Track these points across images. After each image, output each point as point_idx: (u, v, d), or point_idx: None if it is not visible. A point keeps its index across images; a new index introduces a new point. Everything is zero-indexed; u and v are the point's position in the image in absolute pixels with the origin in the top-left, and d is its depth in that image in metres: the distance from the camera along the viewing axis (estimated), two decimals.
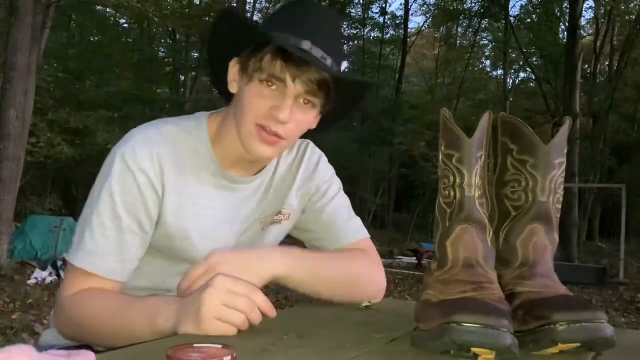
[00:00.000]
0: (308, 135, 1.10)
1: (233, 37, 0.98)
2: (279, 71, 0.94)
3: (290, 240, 1.20)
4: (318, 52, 0.95)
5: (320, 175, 1.19)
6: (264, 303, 0.83)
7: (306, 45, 0.94)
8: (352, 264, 1.10)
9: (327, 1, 21.81)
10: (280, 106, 0.94)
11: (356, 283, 1.08)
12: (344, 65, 1.04)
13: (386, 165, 21.58)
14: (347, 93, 1.02)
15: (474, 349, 0.69)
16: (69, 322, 0.98)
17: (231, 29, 0.98)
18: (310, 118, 1.01)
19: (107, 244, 0.96)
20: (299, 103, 0.97)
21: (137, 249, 1.00)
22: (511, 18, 20.73)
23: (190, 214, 1.03)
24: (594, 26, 20.51)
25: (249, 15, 20.74)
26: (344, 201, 1.23)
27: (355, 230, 1.20)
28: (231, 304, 0.79)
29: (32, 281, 6.46)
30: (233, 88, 1.02)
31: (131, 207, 0.97)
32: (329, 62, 0.96)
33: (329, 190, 1.19)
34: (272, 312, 0.84)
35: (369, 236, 1.22)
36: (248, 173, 1.10)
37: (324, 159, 1.23)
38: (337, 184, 1.23)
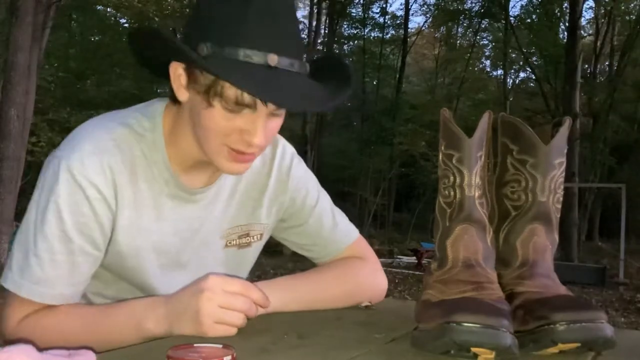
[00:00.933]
0: None
1: (166, 55, 0.85)
2: (249, 99, 0.80)
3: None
4: (285, 62, 0.80)
5: (293, 184, 1.07)
6: (260, 297, 0.82)
7: (272, 60, 0.78)
8: (349, 278, 1.05)
9: (327, 1, 21.83)
10: (252, 130, 0.82)
11: (357, 293, 1.05)
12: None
13: (386, 165, 21.57)
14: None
15: (473, 349, 0.69)
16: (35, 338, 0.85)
17: (161, 50, 0.85)
18: (280, 122, 0.89)
19: (56, 271, 0.86)
20: (269, 116, 0.84)
21: (89, 268, 0.90)
22: (511, 18, 20.73)
23: (143, 229, 0.93)
24: (594, 26, 20.50)
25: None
26: (325, 204, 1.11)
27: (343, 234, 1.11)
28: (229, 305, 0.78)
29: None
30: (182, 95, 0.86)
31: (82, 227, 0.86)
32: (296, 66, 0.82)
33: (306, 200, 1.08)
34: (267, 302, 0.83)
35: (359, 234, 1.14)
36: (205, 178, 0.98)
37: (296, 159, 1.10)
38: (313, 185, 1.11)
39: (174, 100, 0.89)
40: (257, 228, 1.07)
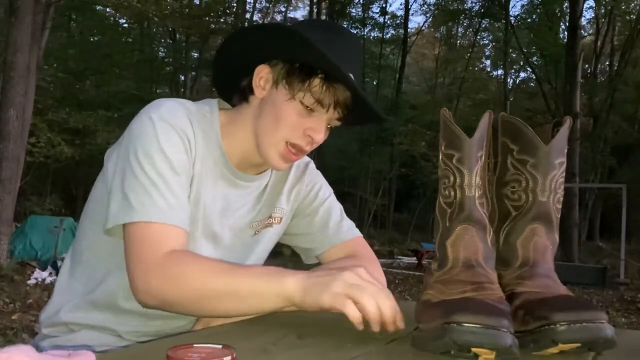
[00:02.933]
0: None
1: (275, 46, 0.99)
2: (327, 99, 0.97)
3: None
4: (357, 81, 0.98)
5: (309, 178, 1.20)
6: (392, 307, 0.80)
7: (351, 75, 0.96)
8: None
9: (327, 1, 21.85)
10: (317, 129, 0.99)
11: None
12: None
13: (386, 165, 21.60)
14: (362, 117, 1.07)
15: (474, 349, 0.68)
16: (170, 281, 0.88)
17: (275, 37, 0.99)
18: (327, 135, 1.06)
19: (175, 199, 0.92)
20: (327, 125, 1.02)
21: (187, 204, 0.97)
22: (511, 18, 20.75)
23: (200, 189, 1.02)
24: (594, 26, 20.53)
25: (248, 15, 20.73)
26: (336, 204, 1.23)
27: (347, 229, 1.20)
28: (366, 287, 0.79)
29: (32, 281, 6.46)
30: (259, 93, 1.02)
31: (182, 164, 0.96)
32: (362, 88, 1.00)
33: (319, 192, 1.20)
34: (396, 315, 0.81)
35: (361, 235, 1.22)
36: (247, 169, 1.09)
37: (312, 165, 1.24)
38: (326, 187, 1.24)
39: (243, 98, 1.05)
40: (277, 212, 1.16)
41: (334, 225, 1.18)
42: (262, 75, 1.02)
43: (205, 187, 1.03)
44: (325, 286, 0.79)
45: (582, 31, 15.80)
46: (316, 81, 0.96)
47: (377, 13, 24.27)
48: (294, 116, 0.98)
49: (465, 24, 25.92)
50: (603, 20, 19.47)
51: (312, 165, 1.23)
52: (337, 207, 1.22)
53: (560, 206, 0.85)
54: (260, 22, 23.41)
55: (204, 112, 1.04)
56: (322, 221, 1.18)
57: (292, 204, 1.18)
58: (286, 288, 0.82)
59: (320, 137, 1.00)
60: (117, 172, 0.94)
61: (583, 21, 17.02)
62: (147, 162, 0.92)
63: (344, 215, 1.23)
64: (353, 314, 0.77)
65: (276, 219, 1.16)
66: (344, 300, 0.77)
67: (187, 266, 0.87)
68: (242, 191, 1.09)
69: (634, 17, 18.17)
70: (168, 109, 0.97)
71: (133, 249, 0.90)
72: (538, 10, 20.72)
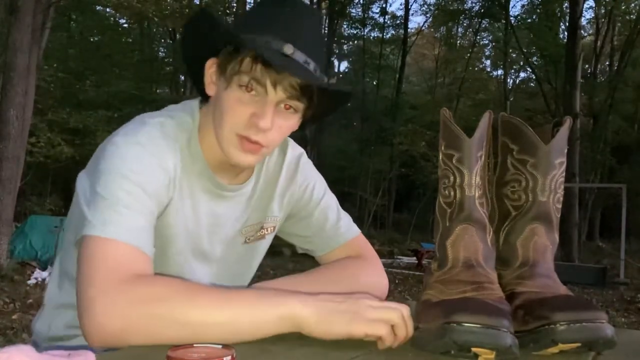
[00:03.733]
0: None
1: (209, 39, 0.93)
2: (260, 75, 0.88)
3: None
4: (300, 57, 0.90)
5: (302, 177, 1.14)
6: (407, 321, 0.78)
7: (288, 49, 0.89)
8: (350, 278, 1.06)
9: (327, 1, 21.84)
10: (260, 113, 0.89)
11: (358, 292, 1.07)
12: (321, 68, 0.97)
13: (386, 165, 21.59)
14: (330, 97, 0.98)
15: (474, 349, 0.68)
16: (144, 305, 0.74)
17: (206, 30, 0.93)
18: (292, 123, 0.95)
19: (140, 222, 0.85)
20: (280, 108, 0.91)
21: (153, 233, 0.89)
22: (511, 18, 20.74)
23: (181, 215, 0.97)
24: (594, 26, 20.52)
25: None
26: (331, 201, 1.17)
27: (345, 229, 1.15)
28: (384, 308, 0.78)
29: (32, 281, 6.46)
30: (210, 90, 0.96)
31: (155, 189, 0.89)
32: (311, 66, 0.91)
33: (314, 193, 1.14)
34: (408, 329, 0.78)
35: (360, 233, 1.18)
36: (231, 178, 1.03)
37: (304, 158, 1.17)
38: (320, 182, 1.17)
39: (204, 98, 0.99)
40: (270, 221, 1.12)
41: (331, 227, 1.14)
42: (211, 71, 0.96)
43: (191, 206, 0.98)
44: (354, 314, 0.75)
45: (582, 31, 15.79)
46: (246, 60, 0.88)
47: (377, 13, 24.31)
48: (234, 103, 0.90)
49: (465, 24, 25.92)
50: (603, 20, 19.47)
51: (304, 159, 1.16)
52: (333, 206, 1.17)
53: (560, 206, 0.85)
54: None
55: (186, 125, 0.98)
56: (319, 224, 1.14)
57: (286, 209, 1.13)
58: (294, 313, 0.75)
59: (264, 122, 0.88)
60: (85, 192, 0.88)
61: (583, 21, 17.02)
62: (115, 181, 0.85)
63: (341, 212, 1.17)
64: (391, 338, 0.75)
65: (269, 229, 1.12)
66: (383, 326, 0.75)
67: (164, 288, 0.77)
68: (229, 202, 1.04)
69: (634, 17, 18.16)
70: (142, 132, 0.91)
71: (90, 266, 0.79)
72: (538, 11, 20.72)
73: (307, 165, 1.16)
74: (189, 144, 0.98)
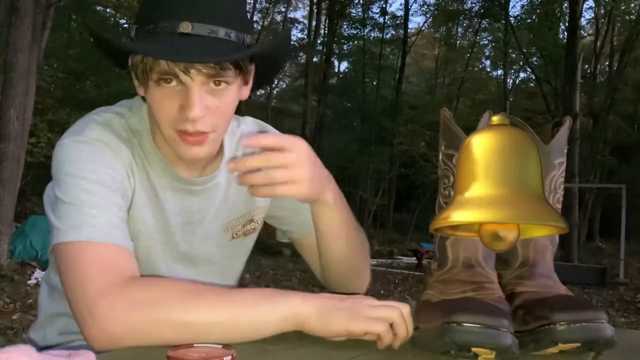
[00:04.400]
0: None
1: (110, 50, 0.90)
2: (167, 68, 0.81)
3: None
4: (203, 29, 0.81)
5: None
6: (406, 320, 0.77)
7: (185, 27, 0.81)
8: (365, 247, 1.08)
9: (327, 1, 21.84)
10: (187, 104, 0.82)
11: (362, 257, 1.07)
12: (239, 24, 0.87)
13: (386, 165, 21.58)
14: (266, 51, 0.90)
15: (474, 349, 0.69)
16: (143, 307, 0.74)
17: (99, 45, 0.90)
18: (230, 98, 0.87)
19: (111, 218, 0.83)
20: (208, 89, 0.84)
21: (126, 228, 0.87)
22: (511, 18, 20.74)
23: (148, 217, 0.93)
24: (594, 26, 20.52)
25: (248, 15, 20.67)
26: None
27: None
28: (384, 306, 0.77)
29: (32, 281, 6.46)
30: (140, 91, 0.91)
31: (116, 183, 0.86)
32: (221, 32, 0.82)
33: None
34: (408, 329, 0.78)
35: None
36: (198, 170, 0.98)
37: (270, 129, 1.11)
38: None
39: (142, 97, 0.92)
40: (258, 212, 1.08)
41: (307, 210, 1.03)
42: (131, 74, 0.90)
43: (158, 207, 0.94)
44: (353, 312, 0.74)
45: (581, 31, 15.79)
46: (148, 58, 0.83)
47: (377, 13, 24.28)
48: (158, 102, 0.85)
49: (465, 25, 25.91)
50: (603, 20, 19.46)
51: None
52: None
53: (560, 206, 0.85)
54: (261, 22, 23.42)
55: (134, 124, 0.94)
56: (294, 205, 1.05)
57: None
58: (295, 311, 0.74)
59: (193, 112, 0.82)
60: (50, 201, 0.87)
61: (583, 21, 17.02)
62: (74, 184, 0.83)
63: None
64: (390, 336, 0.75)
65: (258, 221, 1.08)
66: (382, 324, 0.74)
67: (163, 291, 0.76)
68: (202, 196, 0.98)
69: (634, 18, 18.17)
70: (89, 130, 0.89)
71: (77, 272, 0.77)
72: (538, 11, 20.70)
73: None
74: (142, 144, 0.94)
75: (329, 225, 0.96)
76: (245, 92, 0.93)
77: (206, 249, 1.02)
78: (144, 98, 0.91)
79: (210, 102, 0.84)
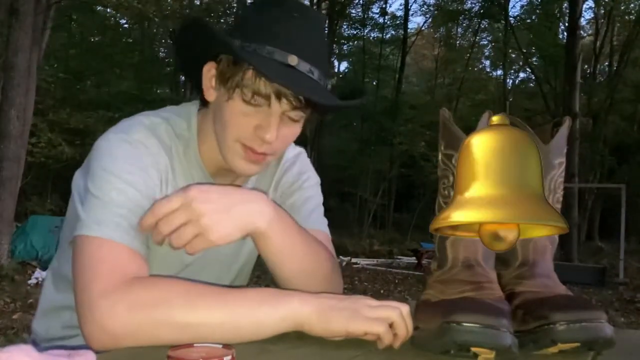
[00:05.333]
0: None
1: (205, 47, 0.90)
2: (263, 89, 0.85)
3: None
4: (304, 66, 0.87)
5: (297, 170, 1.10)
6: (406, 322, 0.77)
7: (292, 60, 0.86)
8: (323, 251, 0.99)
9: (327, 2, 21.82)
10: (265, 126, 0.86)
11: (324, 274, 0.97)
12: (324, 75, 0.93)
13: (386, 165, 21.58)
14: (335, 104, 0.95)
15: (473, 349, 0.69)
16: (143, 308, 0.74)
17: (202, 39, 0.90)
18: (296, 131, 0.93)
19: (135, 221, 0.83)
20: (284, 119, 0.89)
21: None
22: (511, 18, 20.76)
23: None
24: (594, 26, 20.52)
25: None
26: (317, 196, 1.12)
27: (317, 221, 1.08)
28: (382, 306, 0.77)
29: (32, 281, 6.46)
30: (210, 96, 0.93)
31: (149, 191, 0.87)
32: (316, 74, 0.88)
33: (303, 182, 1.10)
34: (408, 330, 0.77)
35: (329, 234, 1.11)
36: (229, 181, 1.01)
37: (303, 155, 1.14)
38: (313, 177, 1.12)
39: (203, 102, 0.95)
40: None
41: (306, 211, 1.07)
42: (209, 75, 0.92)
43: None
44: (353, 312, 0.74)
45: (581, 32, 15.80)
46: (249, 73, 0.85)
47: (377, 14, 24.28)
48: (237, 116, 0.88)
49: (464, 25, 25.91)
50: (602, 20, 19.48)
51: (303, 156, 1.13)
52: (316, 200, 1.11)
53: (559, 206, 0.85)
54: None
55: (180, 130, 0.96)
56: (295, 206, 1.07)
57: (278, 198, 1.09)
58: (295, 311, 0.74)
59: (269, 136, 0.86)
60: (80, 191, 0.88)
61: (582, 22, 17.04)
62: (108, 180, 0.84)
63: (321, 209, 1.12)
64: (389, 336, 0.74)
65: None
66: (381, 324, 0.74)
67: (164, 291, 0.76)
68: None
69: (633, 18, 18.17)
70: (135, 131, 0.90)
71: (88, 268, 0.79)
72: (537, 11, 20.73)
73: (305, 161, 1.14)
74: (186, 151, 0.96)
75: (270, 253, 0.89)
76: (300, 130, 0.96)
77: (220, 251, 1.00)
78: (203, 103, 0.95)
79: (282, 130, 0.89)
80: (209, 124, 0.95)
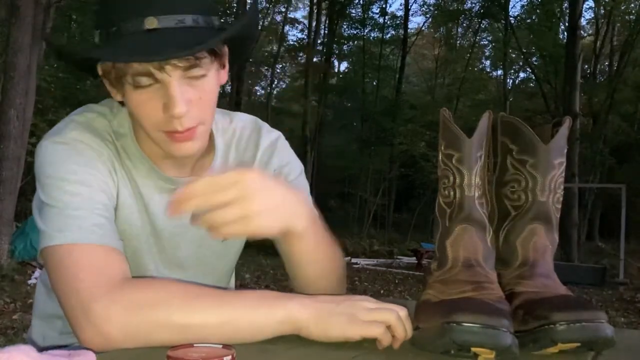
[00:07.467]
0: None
1: (75, 62, 0.88)
2: (140, 67, 0.78)
3: None
4: (169, 21, 0.78)
5: (277, 162, 1.04)
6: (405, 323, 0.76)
7: (150, 23, 0.77)
8: (339, 253, 0.98)
9: (327, 1, 21.84)
10: (169, 102, 0.79)
11: (339, 276, 0.98)
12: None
13: (386, 165, 21.59)
14: (237, 32, 0.86)
15: (474, 349, 0.69)
16: (141, 310, 0.72)
17: (69, 62, 0.89)
18: (211, 86, 0.84)
19: (97, 218, 0.81)
20: (186, 81, 0.81)
21: (114, 227, 0.85)
22: (511, 18, 20.76)
23: (135, 218, 0.92)
24: (594, 26, 20.53)
25: None
26: (303, 184, 1.07)
27: None
28: (381, 308, 0.77)
29: (32, 281, 6.45)
30: (116, 96, 0.87)
31: (100, 184, 0.84)
32: (188, 19, 0.79)
33: (287, 174, 1.04)
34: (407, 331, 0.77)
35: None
36: (188, 169, 0.95)
37: (281, 141, 1.07)
38: (295, 164, 1.07)
39: (121, 103, 0.90)
40: None
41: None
42: (103, 79, 0.88)
43: (145, 212, 0.93)
44: (350, 316, 0.74)
45: (581, 31, 15.80)
46: (119, 63, 0.80)
47: (377, 14, 24.28)
48: (140, 106, 0.82)
49: (465, 25, 25.92)
50: (602, 20, 19.48)
51: (281, 141, 1.06)
52: (303, 189, 1.05)
53: (559, 206, 0.85)
54: (261, 22, 23.40)
55: (117, 126, 0.92)
56: None
57: None
58: (292, 315, 0.74)
59: (178, 109, 0.79)
60: (37, 208, 0.85)
61: (582, 21, 17.03)
62: (55, 185, 0.81)
63: (309, 200, 1.05)
64: (387, 338, 0.74)
65: None
66: (378, 327, 0.74)
67: (160, 292, 0.74)
68: None
69: (634, 18, 18.17)
70: (68, 130, 0.87)
71: (68, 276, 0.76)
72: (537, 11, 20.71)
73: (284, 149, 1.06)
74: (125, 146, 0.92)
75: (300, 253, 0.88)
76: (224, 76, 0.90)
77: (196, 251, 1.00)
78: (121, 103, 0.89)
79: (191, 95, 0.81)
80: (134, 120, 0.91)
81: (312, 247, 0.88)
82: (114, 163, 0.89)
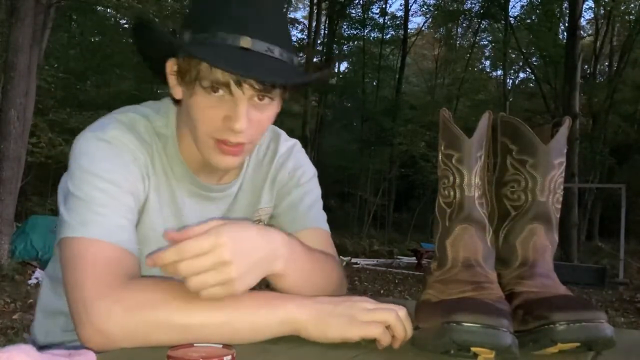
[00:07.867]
0: None
1: (157, 47, 0.89)
2: (221, 77, 0.82)
3: None
4: (261, 46, 0.83)
5: (292, 165, 1.08)
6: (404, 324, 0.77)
7: (245, 42, 0.82)
8: (330, 265, 0.99)
9: (327, 2, 21.84)
10: (233, 116, 0.83)
11: (334, 287, 0.98)
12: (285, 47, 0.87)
13: (386, 165, 21.59)
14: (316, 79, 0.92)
15: (473, 349, 0.69)
16: (141, 310, 0.72)
17: (150, 42, 0.88)
18: (272, 112, 0.90)
19: (120, 219, 0.83)
20: (253, 102, 0.85)
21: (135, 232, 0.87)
22: (511, 18, 20.77)
23: (163, 221, 0.94)
24: (594, 26, 20.53)
25: None
26: (315, 190, 1.10)
27: (317, 217, 1.08)
28: (379, 308, 0.77)
29: (32, 281, 6.46)
30: (177, 94, 0.91)
31: (130, 186, 0.87)
32: (276, 51, 0.84)
33: (300, 177, 1.08)
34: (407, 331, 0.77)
35: (329, 231, 1.10)
36: (218, 178, 1.00)
37: (297, 147, 1.11)
38: (309, 170, 1.11)
39: (174, 100, 0.93)
40: (262, 212, 1.08)
41: (304, 208, 1.07)
42: (172, 73, 0.90)
43: (174, 213, 0.95)
44: (349, 317, 0.74)
45: (581, 32, 15.80)
46: (204, 65, 0.82)
47: (377, 14, 24.28)
48: (203, 110, 0.85)
49: (464, 25, 25.92)
50: (602, 21, 19.48)
51: (297, 147, 1.11)
52: (315, 194, 1.10)
53: (559, 206, 0.86)
54: None
55: (159, 127, 0.94)
56: (293, 202, 1.07)
57: (275, 195, 1.08)
58: (292, 316, 0.75)
59: (239, 125, 0.83)
60: (64, 193, 0.87)
61: (582, 22, 17.04)
62: (88, 181, 0.83)
63: (320, 204, 1.11)
64: (387, 338, 0.74)
65: (264, 221, 1.08)
66: (377, 327, 0.74)
67: (161, 293, 0.74)
68: (218, 203, 1.01)
69: (633, 18, 18.17)
70: (110, 128, 0.88)
71: (78, 269, 0.77)
72: (537, 11, 20.71)
73: (300, 154, 1.11)
74: (166, 148, 0.94)
75: (288, 286, 0.86)
76: (278, 109, 0.93)
77: None
78: (175, 101, 0.92)
79: (254, 115, 0.86)
80: (182, 122, 0.94)
81: (297, 279, 0.86)
82: (148, 167, 0.92)
